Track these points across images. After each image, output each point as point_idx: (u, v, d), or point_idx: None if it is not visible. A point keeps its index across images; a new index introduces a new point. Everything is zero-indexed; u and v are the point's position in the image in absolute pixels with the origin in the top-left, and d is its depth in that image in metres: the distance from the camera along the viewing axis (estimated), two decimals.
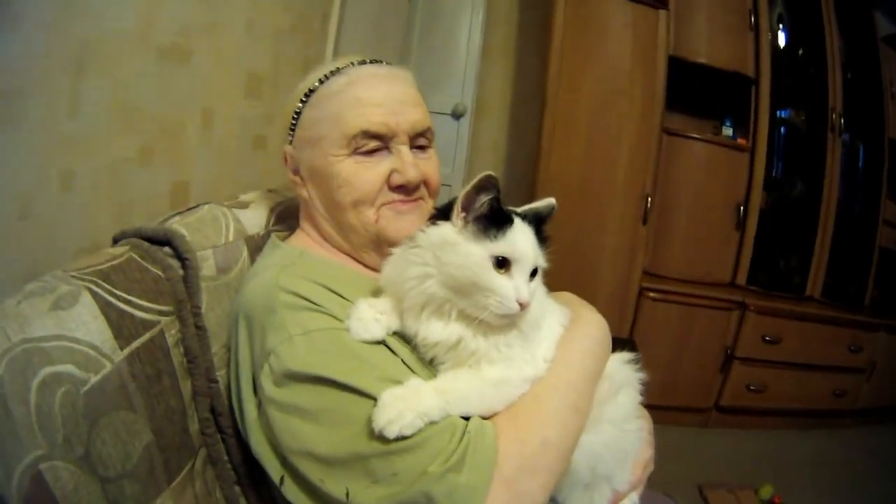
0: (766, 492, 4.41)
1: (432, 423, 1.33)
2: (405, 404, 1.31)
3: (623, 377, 1.71)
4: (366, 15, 4.84)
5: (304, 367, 1.41)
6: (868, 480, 4.91)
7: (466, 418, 1.39)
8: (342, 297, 1.58)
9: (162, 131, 2.72)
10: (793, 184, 5.63)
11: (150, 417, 1.48)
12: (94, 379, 1.33)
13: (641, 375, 1.76)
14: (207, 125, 3.08)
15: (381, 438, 1.30)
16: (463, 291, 1.40)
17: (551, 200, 1.50)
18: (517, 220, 1.41)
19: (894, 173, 5.62)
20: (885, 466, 5.17)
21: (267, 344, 1.48)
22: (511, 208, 1.47)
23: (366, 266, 1.81)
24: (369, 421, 1.32)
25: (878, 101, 5.54)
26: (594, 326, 1.66)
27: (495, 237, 1.37)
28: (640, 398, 1.76)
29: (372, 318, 1.48)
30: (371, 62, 1.84)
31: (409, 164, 1.73)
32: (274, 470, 1.51)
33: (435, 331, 1.46)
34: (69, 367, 1.29)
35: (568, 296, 1.79)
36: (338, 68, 1.80)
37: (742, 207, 5.32)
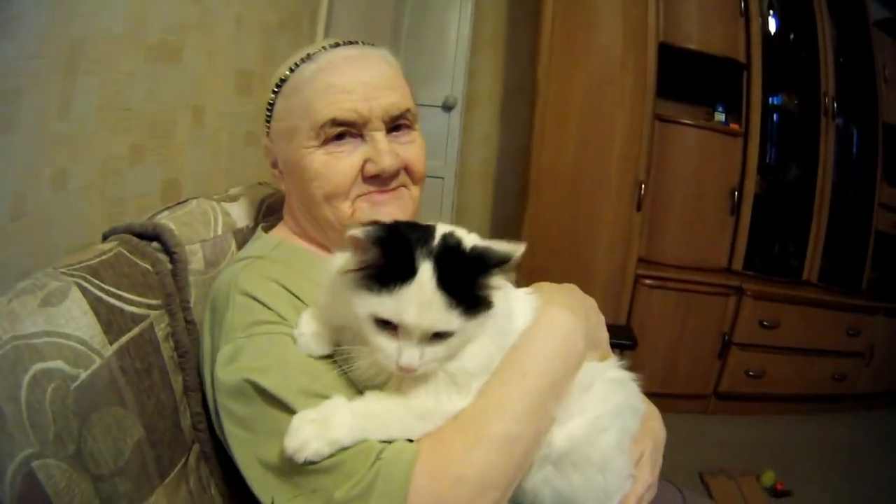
0: (769, 478, 4.42)
1: (344, 448, 1.27)
2: (314, 430, 1.26)
3: (616, 405, 1.53)
4: (354, 8, 4.84)
5: (239, 372, 1.40)
6: (870, 465, 4.91)
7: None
8: (301, 300, 1.53)
9: (152, 129, 2.73)
10: (787, 168, 5.63)
11: (141, 413, 1.47)
12: (83, 374, 1.32)
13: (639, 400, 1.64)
14: (198, 122, 3.08)
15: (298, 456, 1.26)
16: (360, 338, 1.30)
17: (514, 249, 1.25)
18: (421, 274, 1.20)
19: (889, 156, 5.60)
20: (888, 451, 5.17)
21: (219, 342, 1.48)
22: (450, 238, 1.28)
23: None
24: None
25: (871, 84, 5.52)
26: (552, 331, 1.47)
27: (379, 292, 1.21)
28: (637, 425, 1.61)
29: (312, 334, 1.42)
30: (345, 44, 1.76)
31: (383, 151, 1.66)
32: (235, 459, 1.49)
33: (359, 367, 1.36)
34: (59, 363, 1.28)
35: (545, 287, 1.61)
36: (308, 55, 1.73)
37: (736, 193, 5.30)
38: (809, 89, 5.45)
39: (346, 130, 1.65)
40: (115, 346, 1.42)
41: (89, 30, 2.23)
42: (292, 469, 1.29)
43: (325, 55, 1.72)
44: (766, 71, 5.27)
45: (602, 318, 1.73)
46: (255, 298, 1.50)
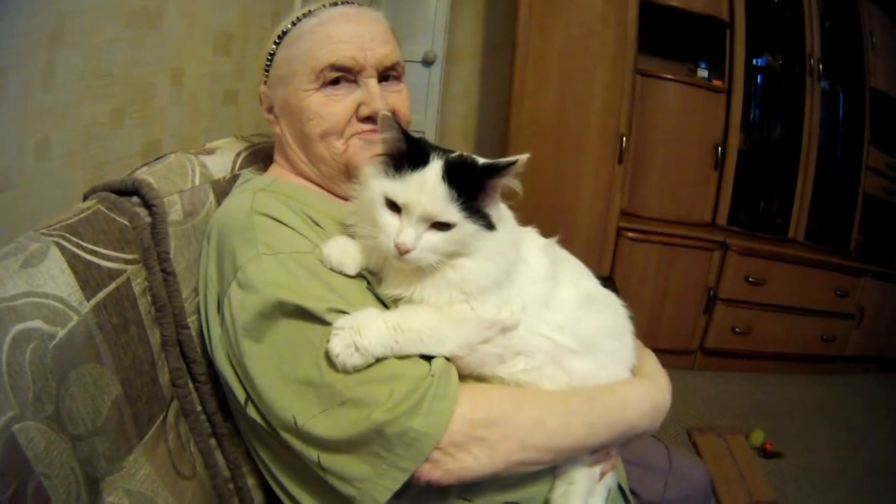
0: (757, 438, 4.42)
1: (377, 359, 1.36)
2: (345, 338, 1.33)
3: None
4: None
5: (267, 288, 1.43)
6: (860, 429, 4.92)
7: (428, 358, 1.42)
8: (313, 219, 1.63)
9: (133, 93, 2.77)
10: (771, 127, 5.64)
11: (118, 369, 1.47)
12: (61, 332, 1.31)
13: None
14: (177, 84, 3.10)
15: (333, 367, 1.34)
16: (368, 224, 1.44)
17: (518, 157, 1.38)
18: (431, 166, 1.38)
19: (876, 121, 5.60)
20: (878, 415, 5.18)
21: (236, 261, 1.51)
22: (453, 155, 1.43)
23: (336, 196, 1.85)
24: (323, 348, 1.35)
25: (857, 50, 5.53)
26: (651, 401, 1.66)
27: (392, 177, 1.39)
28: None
29: (340, 251, 1.51)
30: (342, 3, 1.88)
31: (375, 95, 1.77)
32: (238, 391, 1.53)
33: (388, 284, 1.50)
34: (38, 323, 1.27)
35: (649, 354, 1.81)
36: (310, 11, 1.85)
37: (720, 148, 5.31)
38: (794, 51, 5.45)
39: (342, 76, 1.77)
40: (92, 302, 1.41)
41: (73, 4, 2.27)
42: (320, 382, 1.36)
43: (326, 11, 1.84)
44: (750, 30, 5.26)
45: None
46: (275, 219, 1.58)
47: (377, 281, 1.54)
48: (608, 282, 1.84)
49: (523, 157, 1.37)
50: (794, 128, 5.49)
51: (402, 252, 1.35)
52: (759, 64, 5.48)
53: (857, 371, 5.83)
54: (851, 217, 5.68)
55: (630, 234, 5.19)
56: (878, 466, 4.42)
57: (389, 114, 1.41)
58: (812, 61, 5.36)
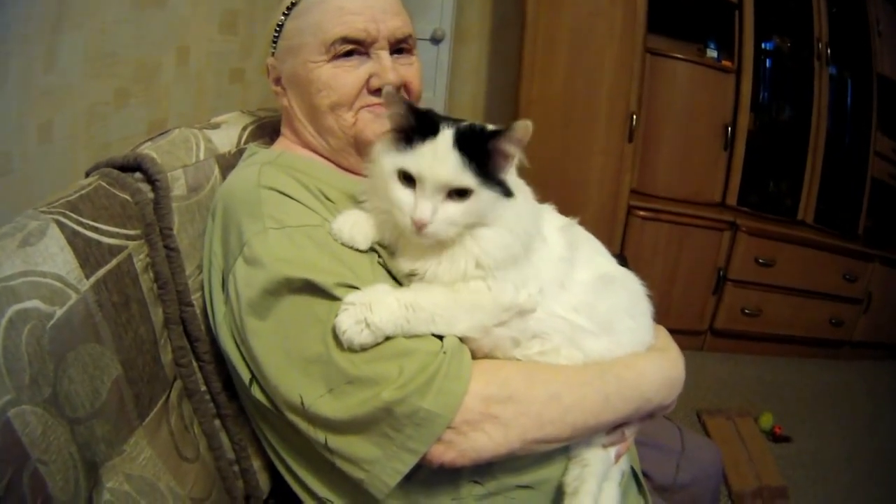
0: (766, 421, 4.41)
1: (387, 337, 1.33)
2: (355, 314, 1.31)
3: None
4: None
5: (274, 263, 1.41)
6: (866, 415, 4.91)
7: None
8: (323, 193, 1.60)
9: (138, 73, 2.76)
10: (780, 109, 5.63)
11: (118, 349, 1.44)
12: (59, 312, 1.28)
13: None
14: (183, 62, 3.10)
15: (340, 344, 1.31)
16: (383, 201, 1.41)
17: (518, 122, 1.33)
18: (442, 135, 1.34)
19: (884, 107, 5.59)
20: (884, 401, 5.17)
21: (242, 236, 1.48)
22: (463, 124, 1.39)
23: (344, 169, 1.83)
24: (331, 324, 1.33)
25: (864, 36, 5.51)
26: (664, 372, 1.65)
27: (403, 150, 1.35)
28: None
29: (351, 224, 1.48)
30: None
31: (387, 67, 1.74)
32: (243, 371, 1.51)
33: (404, 258, 1.47)
34: (35, 303, 1.24)
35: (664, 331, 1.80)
36: None
37: (729, 128, 5.29)
38: (802, 34, 5.43)
39: (353, 48, 1.73)
40: (92, 280, 1.38)
41: None
42: (329, 359, 1.34)
43: None
44: (759, 12, 5.23)
45: None
46: (282, 192, 1.55)
47: (390, 255, 1.51)
48: (621, 259, 1.80)
49: (529, 123, 1.32)
50: (802, 111, 5.47)
51: (420, 227, 1.32)
52: (767, 47, 5.45)
53: (864, 357, 5.81)
54: (860, 201, 5.66)
55: (641, 213, 5.16)
56: (884, 454, 4.41)
57: (393, 89, 1.38)
58: (820, 45, 5.34)
